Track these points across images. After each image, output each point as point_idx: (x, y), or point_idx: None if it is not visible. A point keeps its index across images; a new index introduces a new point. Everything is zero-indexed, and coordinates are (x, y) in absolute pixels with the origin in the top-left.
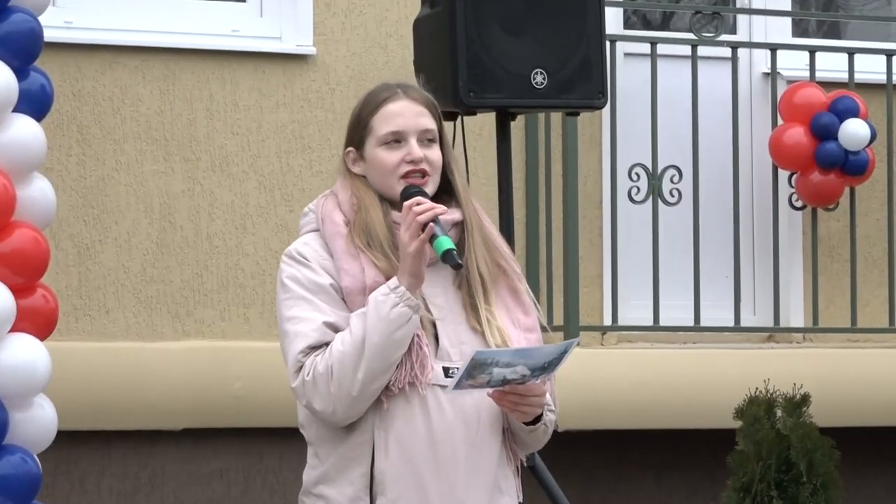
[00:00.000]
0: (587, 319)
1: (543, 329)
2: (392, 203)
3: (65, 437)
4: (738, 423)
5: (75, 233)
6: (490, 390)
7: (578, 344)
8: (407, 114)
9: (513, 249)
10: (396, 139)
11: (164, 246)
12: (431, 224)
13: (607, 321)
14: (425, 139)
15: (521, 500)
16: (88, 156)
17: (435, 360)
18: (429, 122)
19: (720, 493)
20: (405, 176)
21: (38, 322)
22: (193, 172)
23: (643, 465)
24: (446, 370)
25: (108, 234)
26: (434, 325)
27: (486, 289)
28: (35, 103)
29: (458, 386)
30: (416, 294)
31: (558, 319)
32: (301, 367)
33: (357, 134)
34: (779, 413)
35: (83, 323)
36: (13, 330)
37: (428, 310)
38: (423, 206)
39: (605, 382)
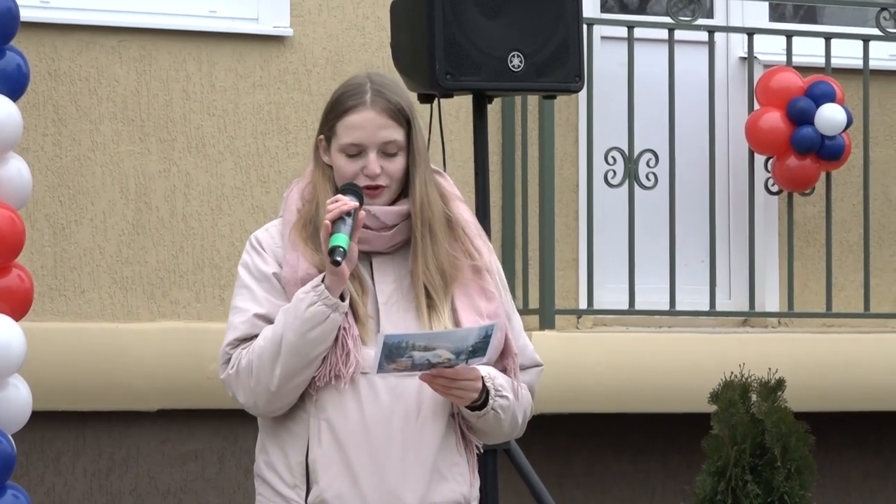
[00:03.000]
0: (563, 303)
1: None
2: None
3: (39, 418)
4: (712, 408)
5: (51, 213)
6: (419, 374)
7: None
8: (369, 126)
9: (489, 233)
10: (356, 151)
11: (139, 227)
12: (327, 223)
13: (583, 305)
14: (386, 151)
15: (472, 486)
16: (64, 136)
17: (376, 346)
18: (392, 134)
19: (695, 476)
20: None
21: (13, 302)
22: (169, 153)
23: (618, 448)
24: None
25: (84, 214)
26: (378, 312)
27: (436, 283)
28: (11, 83)
29: (381, 369)
30: (344, 291)
31: (534, 303)
32: (228, 360)
33: (326, 129)
34: (753, 397)
35: (58, 303)
36: None
37: (375, 297)
38: (335, 205)
39: (580, 366)
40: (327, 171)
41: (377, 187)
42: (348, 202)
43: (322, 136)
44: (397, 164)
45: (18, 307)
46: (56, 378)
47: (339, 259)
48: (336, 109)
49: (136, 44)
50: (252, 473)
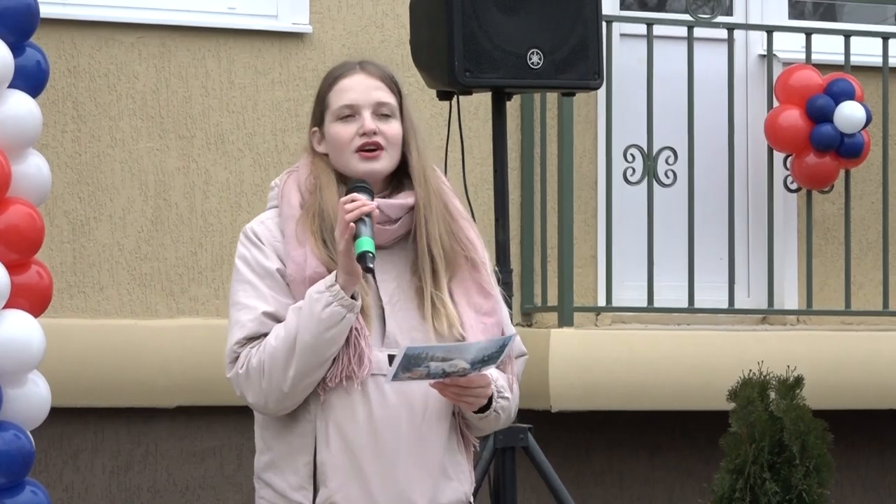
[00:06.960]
0: (581, 300)
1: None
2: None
3: (58, 414)
4: (731, 405)
5: (70, 209)
6: (431, 381)
7: (515, 337)
8: (360, 87)
9: (507, 230)
10: (350, 113)
11: (158, 223)
12: (352, 224)
13: (601, 302)
14: (380, 113)
15: (473, 484)
16: (84, 132)
17: (381, 347)
18: (384, 96)
19: (713, 474)
20: (360, 149)
21: (32, 298)
22: (188, 150)
23: (636, 445)
24: (391, 358)
25: (103, 210)
26: (382, 311)
27: (439, 275)
28: (31, 79)
29: (395, 378)
30: (355, 290)
31: (552, 300)
32: (236, 359)
33: (318, 111)
34: (772, 395)
35: (77, 300)
36: (7, 306)
37: (378, 295)
38: (352, 204)
39: (598, 363)
40: (326, 160)
41: (375, 147)
42: (367, 202)
43: (315, 128)
44: (393, 128)
45: (37, 304)
46: (75, 375)
47: (371, 266)
48: (325, 84)
49: (155, 40)
50: None
